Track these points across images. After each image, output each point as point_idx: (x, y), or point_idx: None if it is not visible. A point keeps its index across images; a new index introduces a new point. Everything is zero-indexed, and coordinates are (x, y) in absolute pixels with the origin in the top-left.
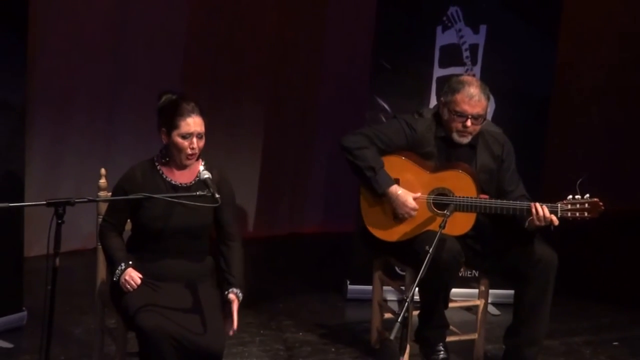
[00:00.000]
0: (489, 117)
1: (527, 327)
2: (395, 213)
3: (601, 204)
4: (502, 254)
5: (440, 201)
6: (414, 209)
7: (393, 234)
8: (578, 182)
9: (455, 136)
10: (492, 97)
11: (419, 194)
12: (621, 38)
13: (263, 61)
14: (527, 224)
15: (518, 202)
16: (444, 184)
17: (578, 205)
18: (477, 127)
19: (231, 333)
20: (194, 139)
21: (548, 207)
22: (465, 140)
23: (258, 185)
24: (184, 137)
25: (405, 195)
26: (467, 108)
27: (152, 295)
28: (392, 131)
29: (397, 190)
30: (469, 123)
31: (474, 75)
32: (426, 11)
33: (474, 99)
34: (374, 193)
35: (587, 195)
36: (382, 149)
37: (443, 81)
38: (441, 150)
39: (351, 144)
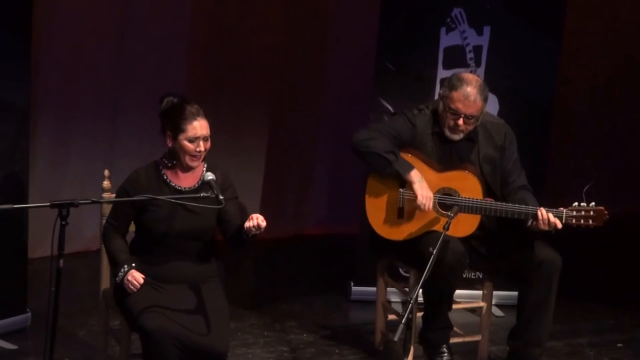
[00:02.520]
0: None
1: (530, 329)
2: (401, 209)
3: (606, 212)
4: (506, 256)
5: (446, 201)
6: (430, 198)
7: (399, 233)
8: (585, 189)
9: (447, 132)
10: (495, 97)
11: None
12: (624, 39)
13: (267, 63)
14: (529, 223)
15: (524, 206)
16: (450, 184)
17: (583, 213)
18: (470, 127)
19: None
20: (201, 142)
21: (553, 213)
22: (457, 137)
23: (262, 187)
24: (191, 140)
25: (425, 183)
26: (461, 107)
27: (156, 296)
28: (398, 125)
29: (419, 174)
30: (460, 122)
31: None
32: (430, 13)
33: (469, 99)
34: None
35: (593, 203)
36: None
37: None
38: (438, 145)
39: (362, 136)
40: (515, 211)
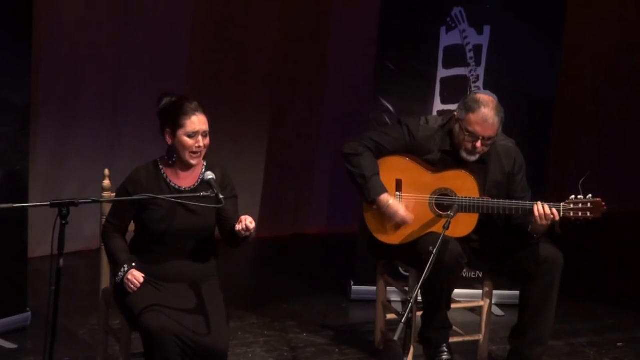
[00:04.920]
0: None
1: (532, 327)
2: None
3: (604, 203)
4: (507, 255)
5: (443, 202)
6: (404, 219)
7: (396, 237)
8: (581, 181)
9: (464, 154)
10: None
11: (412, 204)
12: (624, 38)
13: (267, 63)
14: (530, 227)
15: (521, 202)
16: (446, 185)
17: (581, 205)
18: (487, 148)
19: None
20: (200, 137)
21: (550, 206)
22: (473, 158)
23: (262, 186)
24: (190, 135)
25: (396, 206)
26: (479, 130)
27: (156, 295)
28: (391, 138)
29: (387, 199)
30: (479, 144)
31: (477, 77)
32: (430, 12)
33: (487, 122)
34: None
35: (590, 195)
36: (379, 154)
37: (447, 82)
38: (446, 163)
39: (348, 150)
40: (512, 207)
